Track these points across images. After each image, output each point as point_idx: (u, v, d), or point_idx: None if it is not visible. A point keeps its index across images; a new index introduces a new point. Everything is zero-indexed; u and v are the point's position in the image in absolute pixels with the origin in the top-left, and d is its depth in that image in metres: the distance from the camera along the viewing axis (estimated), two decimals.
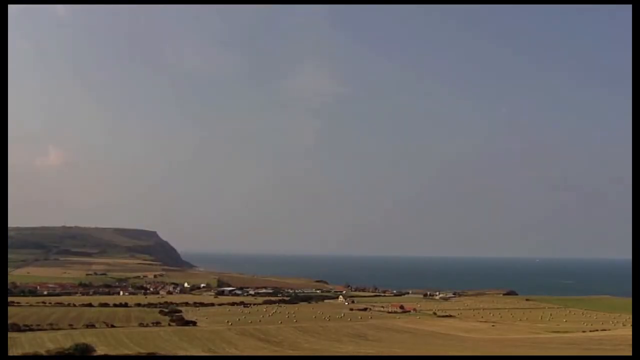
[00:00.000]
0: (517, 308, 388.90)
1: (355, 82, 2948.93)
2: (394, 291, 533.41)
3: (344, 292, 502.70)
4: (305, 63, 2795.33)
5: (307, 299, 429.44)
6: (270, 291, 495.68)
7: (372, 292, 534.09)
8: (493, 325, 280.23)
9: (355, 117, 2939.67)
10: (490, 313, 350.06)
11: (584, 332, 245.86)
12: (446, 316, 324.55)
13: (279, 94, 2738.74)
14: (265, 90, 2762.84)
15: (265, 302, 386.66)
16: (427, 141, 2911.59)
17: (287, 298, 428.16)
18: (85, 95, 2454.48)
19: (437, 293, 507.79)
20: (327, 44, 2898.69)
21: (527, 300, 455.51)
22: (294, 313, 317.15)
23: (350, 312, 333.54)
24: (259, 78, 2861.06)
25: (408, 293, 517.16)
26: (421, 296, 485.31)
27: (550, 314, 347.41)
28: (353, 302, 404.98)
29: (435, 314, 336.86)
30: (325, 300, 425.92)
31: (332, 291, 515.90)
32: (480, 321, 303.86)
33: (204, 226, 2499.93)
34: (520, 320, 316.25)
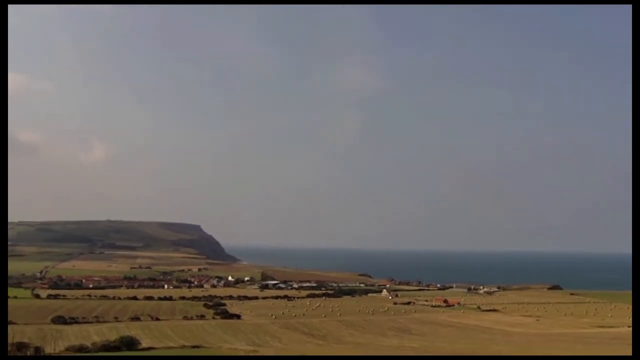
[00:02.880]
0: (562, 302, 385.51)
1: (396, 77, 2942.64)
2: (438, 285, 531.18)
3: (388, 285, 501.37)
4: (348, 57, 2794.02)
5: (351, 292, 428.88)
6: (314, 285, 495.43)
7: (416, 286, 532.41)
8: (538, 320, 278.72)
9: (397, 112, 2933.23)
10: (534, 307, 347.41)
11: (629, 327, 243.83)
12: (490, 310, 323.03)
13: (323, 89, 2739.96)
14: (309, 84, 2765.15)
15: (309, 296, 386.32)
16: (469, 135, 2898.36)
17: (331, 292, 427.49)
18: (129, 90, 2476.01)
19: (481, 287, 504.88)
20: (369, 38, 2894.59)
21: (571, 294, 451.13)
22: (337, 307, 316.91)
23: (394, 306, 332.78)
24: (302, 73, 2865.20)
25: (452, 287, 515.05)
26: (465, 290, 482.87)
27: (595, 309, 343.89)
28: (397, 295, 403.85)
29: (479, 308, 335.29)
30: (369, 294, 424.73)
31: (376, 285, 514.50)
32: (525, 315, 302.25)
33: (247, 220, 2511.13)
34: (565, 314, 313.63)
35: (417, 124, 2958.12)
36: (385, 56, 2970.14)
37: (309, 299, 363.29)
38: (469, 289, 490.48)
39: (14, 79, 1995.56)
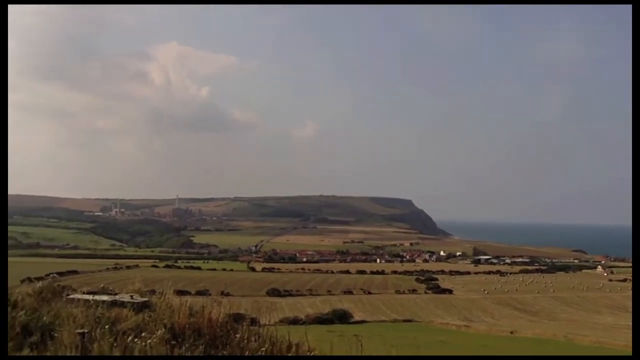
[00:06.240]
0: None
1: (605, 46, 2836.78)
2: None
3: (603, 262, 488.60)
4: (554, 26, 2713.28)
5: (565, 268, 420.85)
6: (527, 260, 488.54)
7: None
8: None
9: (606, 83, 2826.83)
10: None
11: None
12: None
13: (525, 61, 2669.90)
14: (510, 57, 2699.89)
15: (521, 272, 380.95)
16: None
17: (544, 267, 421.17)
18: (336, 68, 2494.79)
19: None
20: (575, 5, 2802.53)
21: None
22: (550, 283, 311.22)
23: (609, 282, 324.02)
24: (503, 44, 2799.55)
25: None
26: None
27: None
28: (612, 272, 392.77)
29: None
30: (583, 270, 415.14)
31: (591, 261, 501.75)
32: None
33: (458, 194, 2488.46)
34: None
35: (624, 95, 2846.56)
36: (593, 25, 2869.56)
37: (521, 275, 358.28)
38: None
39: (224, 61, 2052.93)
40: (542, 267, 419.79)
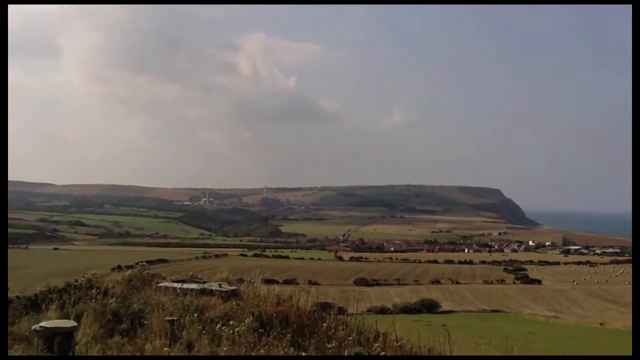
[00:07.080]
0: None
1: None
2: None
3: None
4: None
5: None
6: (618, 251, 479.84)
7: None
8: None
9: None
10: None
11: None
12: None
13: (608, 47, 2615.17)
14: (594, 43, 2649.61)
15: (612, 262, 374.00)
16: None
17: None
18: (421, 57, 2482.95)
19: None
20: None
21: None
22: None
23: None
24: (588, 31, 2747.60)
25: None
26: None
27: None
28: None
29: None
30: None
31: None
32: None
33: (548, 183, 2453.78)
34: None
35: None
36: None
37: (612, 265, 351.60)
38: None
39: (310, 50, 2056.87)
40: None
